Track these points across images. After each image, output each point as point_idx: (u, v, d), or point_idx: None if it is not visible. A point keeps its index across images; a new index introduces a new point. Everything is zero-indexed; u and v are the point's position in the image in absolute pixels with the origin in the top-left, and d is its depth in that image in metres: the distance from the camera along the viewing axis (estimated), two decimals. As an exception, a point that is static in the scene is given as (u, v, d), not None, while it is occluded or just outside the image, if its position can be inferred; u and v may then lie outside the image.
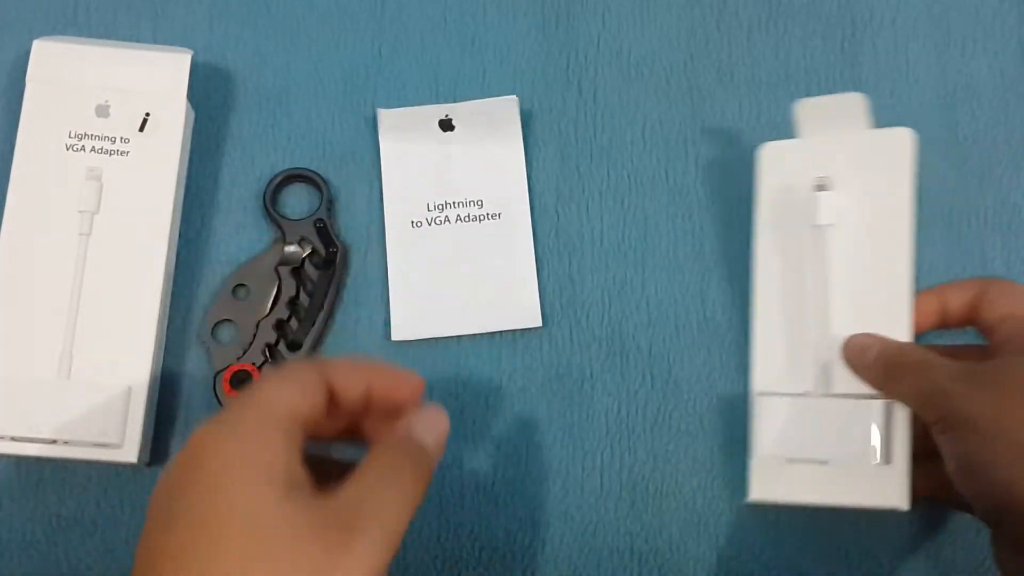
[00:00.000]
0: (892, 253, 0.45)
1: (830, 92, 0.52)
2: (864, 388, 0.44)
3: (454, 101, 0.52)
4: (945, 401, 0.40)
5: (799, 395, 0.45)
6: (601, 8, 0.53)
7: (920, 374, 0.42)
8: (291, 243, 0.49)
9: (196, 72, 0.50)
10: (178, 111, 0.48)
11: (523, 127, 0.51)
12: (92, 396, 0.45)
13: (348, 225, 0.51)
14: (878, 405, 0.43)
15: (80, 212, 0.47)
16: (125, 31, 0.52)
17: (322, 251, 0.50)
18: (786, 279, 0.46)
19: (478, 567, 0.47)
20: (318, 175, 0.51)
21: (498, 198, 0.51)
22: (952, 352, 0.42)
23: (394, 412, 0.39)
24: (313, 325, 0.49)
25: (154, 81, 0.48)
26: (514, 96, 0.51)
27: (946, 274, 0.50)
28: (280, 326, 0.48)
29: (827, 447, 0.44)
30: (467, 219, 0.51)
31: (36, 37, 0.49)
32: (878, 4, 0.53)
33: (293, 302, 0.49)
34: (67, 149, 0.48)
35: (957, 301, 0.44)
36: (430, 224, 0.50)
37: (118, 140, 0.48)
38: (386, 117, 0.51)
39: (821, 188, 0.46)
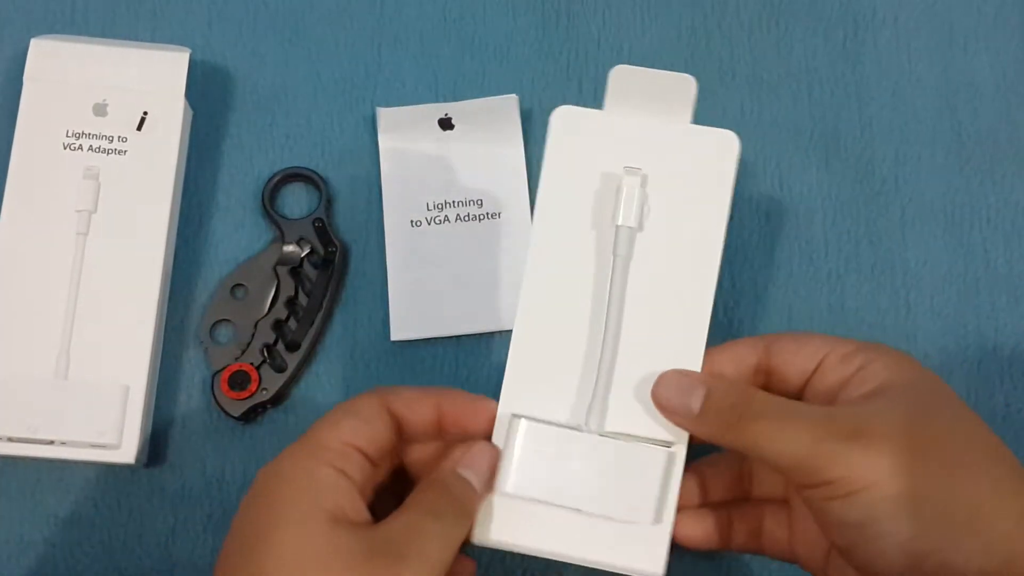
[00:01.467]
0: (698, 272, 0.39)
1: (832, 91, 0.52)
2: (643, 427, 0.38)
3: (454, 100, 0.52)
4: (827, 465, 0.34)
5: (568, 428, 0.38)
6: (602, 6, 0.53)
7: (781, 430, 0.35)
8: (290, 243, 0.49)
9: (194, 71, 0.50)
10: (176, 110, 0.48)
11: (523, 126, 0.51)
12: (89, 396, 0.45)
13: (347, 225, 0.51)
14: (662, 455, 0.38)
15: (77, 211, 0.47)
16: (123, 30, 0.52)
17: (321, 251, 0.49)
18: (565, 281, 0.39)
19: (477, 568, 0.47)
20: (317, 174, 0.50)
21: (498, 197, 0.50)
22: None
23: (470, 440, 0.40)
24: (312, 325, 0.48)
25: (152, 80, 0.48)
26: (514, 95, 0.51)
27: (948, 274, 0.50)
28: (278, 326, 0.48)
29: (591, 495, 0.38)
30: (467, 218, 0.50)
31: (34, 35, 0.49)
32: (880, 2, 0.53)
33: (292, 302, 0.49)
34: (65, 148, 0.47)
35: (747, 358, 0.39)
36: (429, 223, 0.50)
37: (116, 139, 0.48)
38: (385, 116, 0.51)
39: (631, 177, 0.39)
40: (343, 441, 0.37)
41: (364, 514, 0.37)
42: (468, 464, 0.39)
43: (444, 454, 0.40)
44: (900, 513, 0.34)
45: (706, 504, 0.42)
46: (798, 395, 0.39)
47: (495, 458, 0.39)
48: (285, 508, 0.35)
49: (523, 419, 0.39)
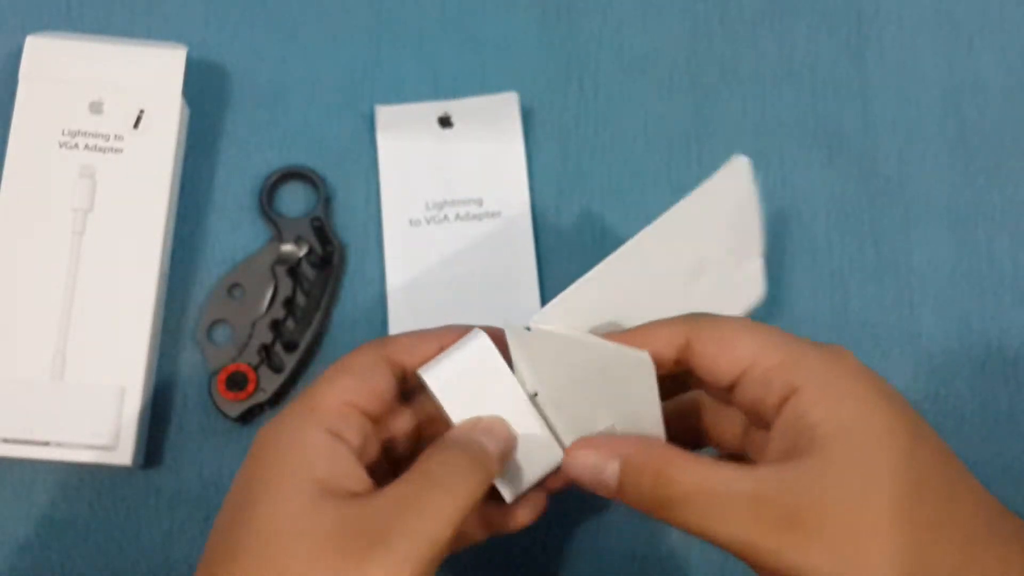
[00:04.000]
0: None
1: (835, 89, 0.52)
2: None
3: (453, 98, 0.51)
4: (764, 558, 0.30)
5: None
6: (602, 3, 0.53)
7: (711, 514, 0.31)
8: (287, 242, 0.49)
9: (191, 68, 0.49)
10: (173, 108, 0.48)
11: (523, 124, 0.51)
12: (85, 397, 0.45)
13: (345, 224, 0.50)
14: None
15: (73, 210, 0.46)
16: (119, 27, 0.52)
17: (319, 250, 0.49)
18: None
19: (477, 570, 0.47)
20: (315, 173, 0.50)
21: (498, 196, 0.50)
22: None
23: None
24: (310, 325, 0.48)
25: (148, 78, 0.48)
26: (514, 92, 0.51)
27: (952, 273, 0.50)
28: (276, 326, 0.48)
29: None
30: (466, 217, 0.50)
31: (29, 33, 0.48)
32: (884, -1, 0.53)
33: (290, 302, 0.48)
34: (60, 147, 0.47)
35: (664, 351, 0.35)
36: (429, 223, 0.50)
37: (112, 137, 0.47)
38: (384, 114, 0.51)
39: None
40: (340, 400, 0.35)
41: (363, 481, 0.34)
42: (485, 429, 0.35)
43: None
44: None
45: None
46: (727, 392, 0.35)
47: (512, 438, 0.36)
48: (272, 476, 0.33)
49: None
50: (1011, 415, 0.48)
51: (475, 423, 0.36)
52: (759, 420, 0.34)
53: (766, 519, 0.30)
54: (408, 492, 0.33)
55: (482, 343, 0.37)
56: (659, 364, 0.34)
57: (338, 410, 0.35)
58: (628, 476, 0.33)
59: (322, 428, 0.34)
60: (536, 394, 0.37)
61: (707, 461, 0.32)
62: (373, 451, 0.36)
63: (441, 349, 0.37)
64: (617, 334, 0.36)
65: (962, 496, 0.32)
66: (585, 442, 0.35)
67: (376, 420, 0.36)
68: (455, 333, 0.37)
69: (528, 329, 0.36)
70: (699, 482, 0.32)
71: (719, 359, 0.34)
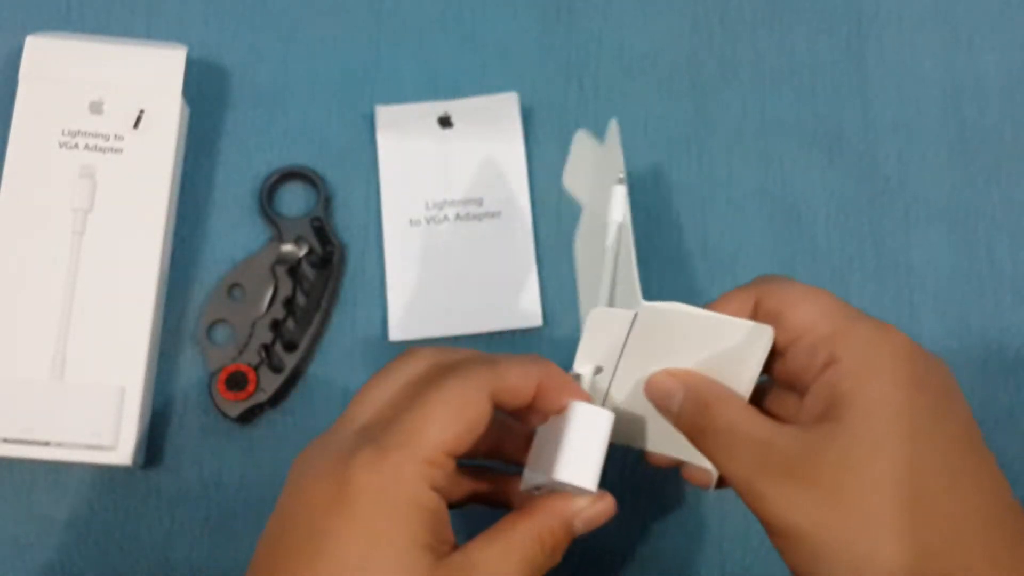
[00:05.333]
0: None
1: (836, 89, 0.52)
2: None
3: (453, 98, 0.51)
4: (758, 502, 0.33)
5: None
6: (602, 3, 0.53)
7: (728, 451, 0.34)
8: (287, 242, 0.49)
9: (191, 68, 0.49)
10: (173, 108, 0.48)
11: (523, 124, 0.51)
12: (85, 397, 0.45)
13: (345, 224, 0.50)
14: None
15: (73, 210, 0.46)
16: (119, 27, 0.52)
17: (319, 250, 0.49)
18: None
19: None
20: (315, 173, 0.50)
21: (498, 196, 0.50)
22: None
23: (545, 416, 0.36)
24: (310, 325, 0.48)
25: (149, 78, 0.48)
26: (514, 92, 0.51)
27: (952, 273, 0.49)
28: (276, 326, 0.48)
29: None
30: (466, 217, 0.50)
31: (29, 33, 0.48)
32: (884, -1, 0.53)
33: (289, 302, 0.48)
34: (60, 146, 0.47)
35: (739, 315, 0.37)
36: (429, 223, 0.50)
37: (112, 137, 0.47)
38: (384, 114, 0.51)
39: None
40: (445, 452, 0.32)
41: (451, 538, 0.33)
42: (590, 518, 0.35)
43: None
44: (820, 567, 0.31)
45: None
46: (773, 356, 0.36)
47: (611, 513, 0.36)
48: (369, 531, 0.31)
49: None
50: (1011, 414, 0.48)
51: (592, 505, 0.35)
52: (795, 385, 0.35)
53: (769, 464, 0.33)
54: (492, 558, 0.33)
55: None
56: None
57: (442, 464, 0.33)
58: (685, 404, 0.36)
59: (429, 485, 0.32)
60: (600, 369, 0.38)
61: (749, 408, 0.35)
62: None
63: (538, 387, 0.35)
64: (709, 305, 0.38)
65: (969, 490, 0.32)
66: (665, 372, 0.37)
67: (461, 455, 0.34)
68: (553, 373, 0.36)
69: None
70: (730, 421, 0.34)
71: (780, 324, 0.35)
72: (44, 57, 0.48)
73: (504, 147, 0.51)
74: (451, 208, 0.50)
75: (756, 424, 0.34)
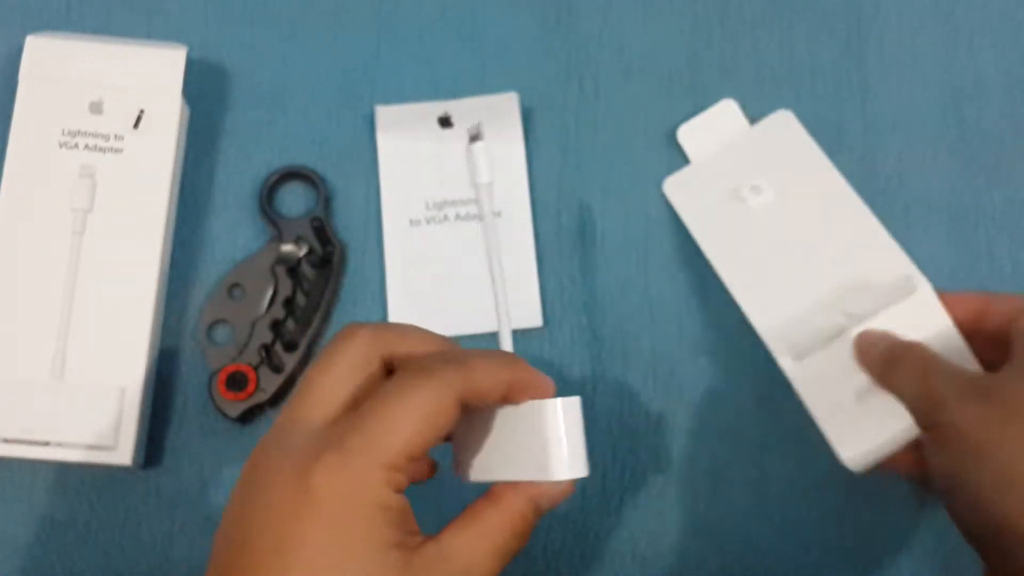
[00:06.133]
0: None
1: (836, 88, 0.52)
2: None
3: (453, 98, 0.51)
4: (937, 411, 0.38)
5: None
6: (602, 3, 0.53)
7: (916, 373, 0.39)
8: (287, 242, 0.49)
9: (191, 68, 0.49)
10: (173, 108, 0.48)
11: (524, 124, 0.51)
12: (86, 398, 0.45)
13: (345, 224, 0.50)
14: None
15: (73, 210, 0.46)
16: (119, 27, 0.52)
17: (319, 250, 0.49)
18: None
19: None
20: (315, 173, 0.50)
21: (498, 196, 0.50)
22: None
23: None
24: (310, 325, 0.48)
25: (149, 78, 0.48)
26: (514, 93, 0.51)
27: (952, 273, 0.49)
28: (276, 326, 0.48)
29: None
30: (466, 217, 0.50)
31: (29, 33, 0.48)
32: (884, -1, 0.53)
33: (289, 302, 0.48)
34: (60, 146, 0.47)
35: (961, 311, 0.42)
36: (429, 223, 0.50)
37: (112, 137, 0.47)
38: (384, 114, 0.51)
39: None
40: (408, 457, 0.32)
41: (416, 529, 0.33)
42: (551, 497, 0.35)
43: None
44: (997, 477, 0.35)
45: None
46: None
47: (569, 493, 0.36)
48: (335, 536, 0.31)
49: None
50: (1011, 415, 0.48)
51: (543, 492, 0.35)
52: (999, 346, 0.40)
53: (966, 388, 0.37)
54: (462, 547, 0.33)
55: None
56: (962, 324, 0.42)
57: (406, 468, 0.32)
58: (887, 350, 0.41)
59: (394, 488, 0.32)
60: None
61: (935, 356, 0.40)
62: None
63: (508, 387, 0.35)
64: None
65: None
66: (872, 331, 0.42)
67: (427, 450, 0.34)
68: (523, 370, 0.35)
69: None
70: (929, 355, 0.40)
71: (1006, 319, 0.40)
72: (44, 57, 0.48)
73: (504, 147, 0.51)
74: (451, 208, 0.50)
75: (950, 363, 0.39)
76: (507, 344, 0.42)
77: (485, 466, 0.37)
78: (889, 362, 0.41)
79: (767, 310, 0.46)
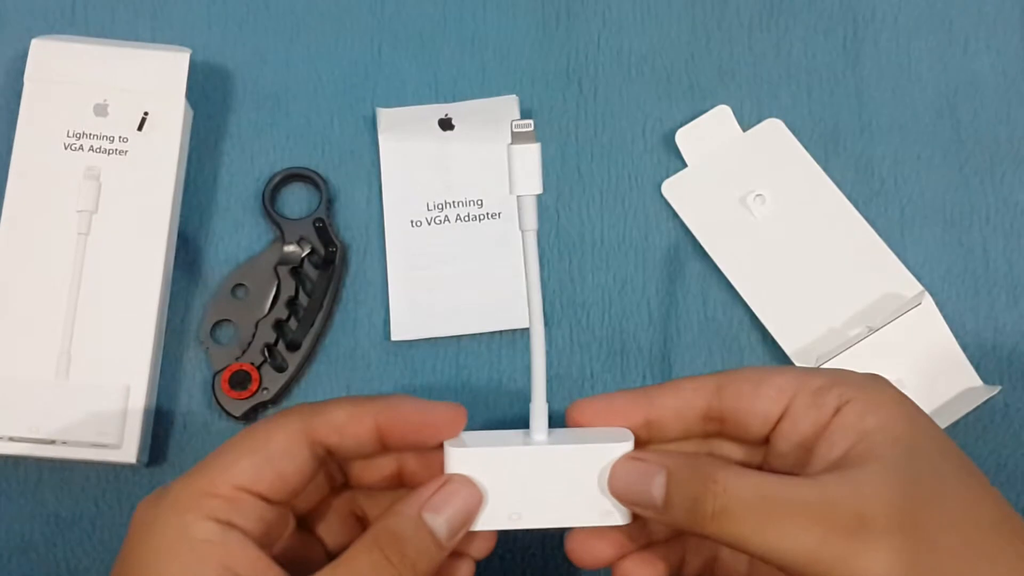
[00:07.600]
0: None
1: (832, 90, 0.52)
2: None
3: (454, 100, 0.52)
4: (832, 569, 0.29)
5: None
6: (602, 6, 0.53)
7: (774, 527, 0.29)
8: (290, 243, 0.49)
9: (195, 71, 0.49)
10: (177, 110, 0.48)
11: (523, 126, 0.51)
12: (90, 396, 0.45)
13: (347, 225, 0.51)
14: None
15: (78, 212, 0.47)
16: (123, 30, 0.52)
17: (321, 251, 0.49)
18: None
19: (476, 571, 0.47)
20: (317, 174, 0.50)
21: (498, 197, 0.50)
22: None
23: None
24: (312, 325, 0.48)
25: (153, 80, 0.48)
26: (514, 95, 0.51)
27: (947, 274, 0.50)
28: (279, 326, 0.48)
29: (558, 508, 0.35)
30: (467, 218, 0.50)
31: (34, 36, 0.49)
32: (880, 1, 0.53)
33: (292, 302, 0.49)
34: (65, 148, 0.47)
35: (692, 410, 0.33)
36: (430, 224, 0.50)
37: (116, 139, 0.48)
38: (385, 116, 0.51)
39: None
40: (234, 486, 0.31)
41: (268, 570, 0.31)
42: (438, 507, 0.31)
43: (400, 477, 0.34)
44: None
45: (652, 543, 0.35)
46: (762, 444, 0.33)
47: (475, 498, 0.32)
48: (161, 570, 0.30)
49: (455, 448, 0.33)
50: (1006, 414, 0.48)
51: (428, 496, 0.32)
52: (806, 451, 0.32)
53: (836, 525, 0.29)
54: None
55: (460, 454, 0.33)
56: (687, 423, 0.33)
57: (231, 496, 0.31)
58: (675, 487, 0.30)
59: (211, 518, 0.31)
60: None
61: (757, 471, 0.31)
62: (283, 535, 0.33)
63: (379, 428, 0.33)
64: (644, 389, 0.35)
65: (979, 511, 0.31)
66: (628, 457, 0.32)
67: (281, 505, 0.33)
68: (398, 407, 0.33)
69: None
70: (757, 491, 0.30)
71: (758, 396, 0.32)
72: (49, 60, 0.48)
73: (504, 149, 0.51)
74: (452, 209, 0.50)
75: (791, 485, 0.30)
76: (539, 357, 0.35)
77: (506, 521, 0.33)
78: (712, 514, 0.30)
79: (782, 318, 0.47)
